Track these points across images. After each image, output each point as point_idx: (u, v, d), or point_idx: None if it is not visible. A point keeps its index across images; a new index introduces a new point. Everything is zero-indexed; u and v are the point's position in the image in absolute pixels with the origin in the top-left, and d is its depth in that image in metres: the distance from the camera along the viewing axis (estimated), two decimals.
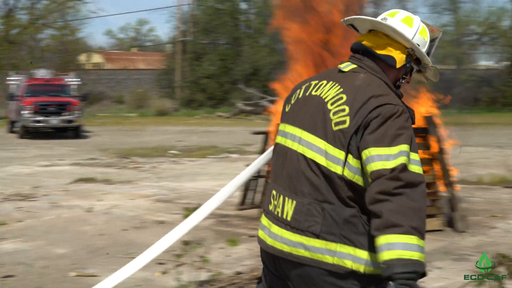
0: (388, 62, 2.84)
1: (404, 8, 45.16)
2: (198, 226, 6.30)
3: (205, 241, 6.48)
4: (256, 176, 9.73)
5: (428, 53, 2.95)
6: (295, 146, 2.81)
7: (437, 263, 6.85)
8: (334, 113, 2.69)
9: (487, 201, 10.78)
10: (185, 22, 49.75)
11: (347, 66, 2.86)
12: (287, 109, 2.98)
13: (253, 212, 9.36)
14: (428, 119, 8.85)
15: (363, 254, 2.67)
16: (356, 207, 2.67)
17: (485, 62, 55.39)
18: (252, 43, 46.90)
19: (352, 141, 2.63)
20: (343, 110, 2.68)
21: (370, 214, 2.60)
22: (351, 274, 2.67)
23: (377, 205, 2.54)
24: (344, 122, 2.66)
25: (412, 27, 2.90)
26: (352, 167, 2.64)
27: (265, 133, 9.74)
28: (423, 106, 9.46)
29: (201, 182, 12.88)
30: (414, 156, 2.62)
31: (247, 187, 9.60)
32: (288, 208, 2.76)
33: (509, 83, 46.75)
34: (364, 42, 2.90)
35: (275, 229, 2.81)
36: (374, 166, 2.56)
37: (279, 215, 2.80)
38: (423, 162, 8.78)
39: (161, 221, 8.93)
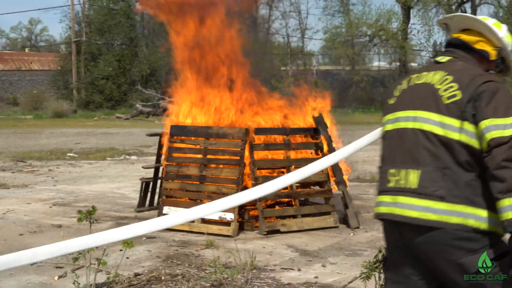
0: (483, 54, 3.41)
1: (298, 9, 45.63)
2: (95, 229, 6.35)
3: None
4: (154, 178, 9.82)
5: None
6: (410, 124, 3.27)
7: (331, 258, 7.15)
8: (445, 90, 3.19)
9: None
10: (79, 22, 48.93)
11: (443, 58, 3.41)
12: (391, 102, 3.47)
13: (152, 213, 9.41)
14: (318, 119, 9.16)
15: (484, 213, 3.08)
16: (474, 172, 3.09)
17: (378, 63, 57.16)
18: (149, 44, 46.63)
19: (466, 109, 3.09)
20: (452, 87, 3.17)
21: (489, 178, 3.03)
22: (473, 232, 3.07)
23: (501, 171, 2.97)
24: (455, 95, 3.14)
25: (501, 30, 3.45)
26: (468, 131, 3.09)
27: (160, 135, 9.81)
28: (314, 107, 9.74)
29: (99, 185, 12.82)
30: None
31: (145, 189, 9.67)
32: (413, 178, 3.17)
33: None
34: (461, 38, 3.45)
35: (402, 199, 3.20)
36: (494, 134, 3.00)
37: (405, 186, 3.21)
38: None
39: (58, 225, 8.87)
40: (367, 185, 12.56)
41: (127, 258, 6.94)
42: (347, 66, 50.67)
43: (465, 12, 51.76)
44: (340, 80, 47.13)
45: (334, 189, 9.09)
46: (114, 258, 6.82)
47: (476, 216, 3.06)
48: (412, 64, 52.66)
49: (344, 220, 8.87)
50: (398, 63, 52.06)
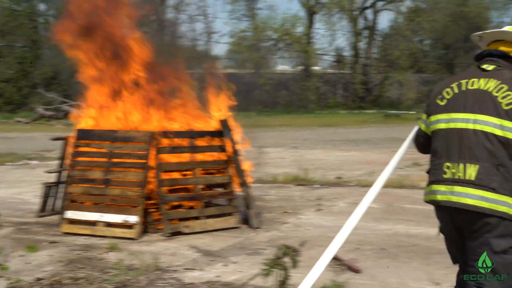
0: None
1: (204, 13, 45.27)
2: None
3: (3, 249, 6.44)
4: (57, 183, 9.69)
5: None
6: (470, 126, 3.81)
7: (232, 258, 7.28)
8: (502, 98, 3.75)
9: (281, 198, 11.46)
10: None
11: (489, 66, 3.94)
12: (441, 103, 4.00)
13: (54, 218, 9.29)
14: (223, 123, 9.30)
15: None
16: None
17: (282, 66, 57.86)
18: (52, 46, 45.59)
19: None
20: (509, 95, 3.75)
21: None
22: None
23: None
24: None
25: None
26: None
27: (65, 139, 9.67)
28: (219, 110, 9.86)
29: None
30: None
31: (47, 194, 9.52)
32: (471, 171, 3.76)
33: (304, 87, 49.42)
34: (500, 48, 4.03)
35: (459, 189, 3.79)
36: None
37: (462, 177, 3.79)
38: (219, 164, 9.27)
39: None
40: (269, 186, 12.80)
41: (29, 263, 6.85)
42: (252, 69, 51.08)
43: (366, 17, 53.52)
44: (245, 83, 47.48)
45: (237, 189, 9.24)
46: (14, 264, 6.72)
47: None
48: (315, 68, 53.64)
49: (246, 221, 9.02)
50: (301, 67, 52.92)
